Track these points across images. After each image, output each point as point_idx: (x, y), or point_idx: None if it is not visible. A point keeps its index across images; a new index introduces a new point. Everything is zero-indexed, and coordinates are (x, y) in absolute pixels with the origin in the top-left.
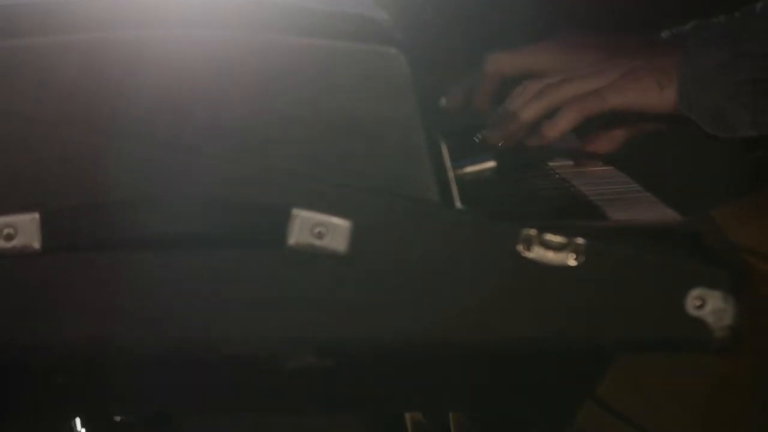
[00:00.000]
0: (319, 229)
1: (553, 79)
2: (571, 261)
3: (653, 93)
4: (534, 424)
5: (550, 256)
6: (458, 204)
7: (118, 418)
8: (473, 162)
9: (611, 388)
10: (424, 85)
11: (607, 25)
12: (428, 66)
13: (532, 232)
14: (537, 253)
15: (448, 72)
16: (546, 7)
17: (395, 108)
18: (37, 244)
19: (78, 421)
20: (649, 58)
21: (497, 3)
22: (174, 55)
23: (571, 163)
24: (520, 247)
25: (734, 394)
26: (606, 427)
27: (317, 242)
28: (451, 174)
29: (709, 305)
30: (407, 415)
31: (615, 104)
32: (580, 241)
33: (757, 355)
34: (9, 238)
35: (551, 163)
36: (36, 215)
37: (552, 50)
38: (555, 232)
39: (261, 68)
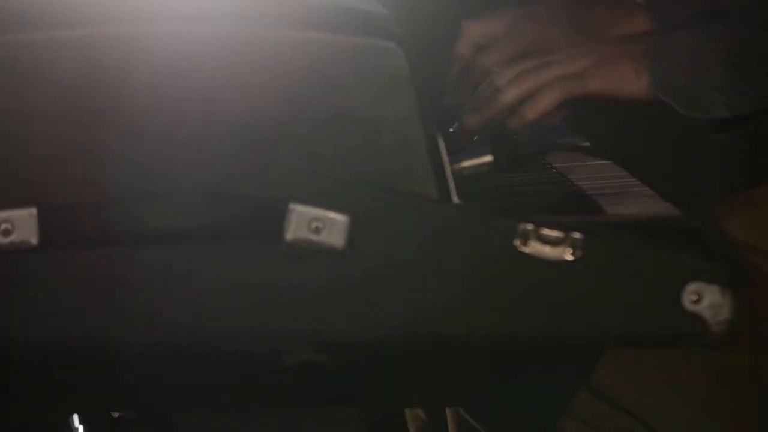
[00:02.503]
0: (317, 223)
1: (529, 63)
2: (568, 256)
3: (630, 78)
4: (529, 415)
5: (547, 251)
6: (455, 198)
7: (116, 415)
8: (470, 156)
9: (605, 376)
10: (422, 80)
11: None
12: (426, 60)
13: (529, 226)
14: (534, 247)
15: (447, 66)
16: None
17: (393, 103)
18: (34, 240)
19: (76, 417)
20: (624, 42)
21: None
22: (171, 50)
23: (568, 157)
24: (517, 242)
25: (731, 383)
26: (600, 416)
27: (315, 237)
28: (448, 169)
29: (705, 300)
30: (407, 411)
31: (593, 89)
32: (577, 235)
33: (755, 345)
34: (6, 233)
35: (548, 158)
36: (33, 210)
37: (525, 24)
38: (552, 226)
39: (258, 62)
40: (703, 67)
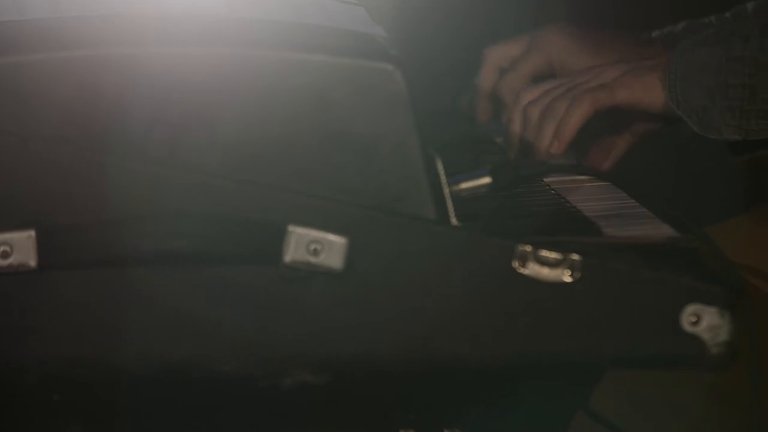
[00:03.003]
0: (315, 246)
1: (559, 89)
2: (567, 277)
3: (656, 89)
4: None
5: (546, 273)
6: (454, 220)
7: None
8: (469, 178)
9: (602, 397)
10: (421, 101)
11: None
12: (425, 82)
13: (528, 248)
14: (532, 269)
15: (445, 87)
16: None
17: (391, 124)
18: (33, 262)
19: None
20: (647, 56)
21: (495, 20)
22: (169, 71)
23: (566, 178)
24: (515, 264)
25: (727, 404)
26: None
27: (313, 259)
28: (446, 190)
29: (704, 321)
30: None
31: (622, 99)
32: (575, 257)
33: (754, 366)
34: (5, 255)
35: (547, 179)
36: (32, 233)
37: (550, 47)
38: (550, 248)
39: (257, 84)
40: (719, 87)
